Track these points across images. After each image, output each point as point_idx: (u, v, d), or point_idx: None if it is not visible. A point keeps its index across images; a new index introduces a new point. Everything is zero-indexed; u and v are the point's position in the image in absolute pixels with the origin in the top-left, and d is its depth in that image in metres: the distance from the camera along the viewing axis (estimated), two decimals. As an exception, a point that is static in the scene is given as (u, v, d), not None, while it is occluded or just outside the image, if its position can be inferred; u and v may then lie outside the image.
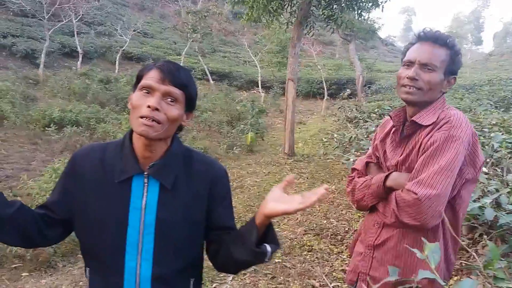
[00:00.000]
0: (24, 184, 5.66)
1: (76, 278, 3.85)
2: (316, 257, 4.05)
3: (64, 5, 20.32)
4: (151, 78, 1.16)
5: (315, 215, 5.31)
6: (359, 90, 19.97)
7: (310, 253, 4.16)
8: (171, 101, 1.17)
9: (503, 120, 5.42)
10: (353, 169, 1.85)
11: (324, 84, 21.83)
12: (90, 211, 1.22)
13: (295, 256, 4.09)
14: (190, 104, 1.25)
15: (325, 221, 5.08)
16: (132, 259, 1.20)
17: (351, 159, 5.15)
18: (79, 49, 20.39)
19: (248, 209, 5.59)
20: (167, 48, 27.82)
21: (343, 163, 6.06)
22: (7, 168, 7.65)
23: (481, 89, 14.09)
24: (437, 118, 1.53)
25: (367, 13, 10.80)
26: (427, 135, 1.52)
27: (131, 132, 1.25)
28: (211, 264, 1.35)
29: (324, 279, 3.54)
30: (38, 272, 4.08)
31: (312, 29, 9.77)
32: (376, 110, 9.43)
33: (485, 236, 2.83)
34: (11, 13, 23.06)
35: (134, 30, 25.02)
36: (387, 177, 1.60)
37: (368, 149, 2.34)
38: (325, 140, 9.21)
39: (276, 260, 3.96)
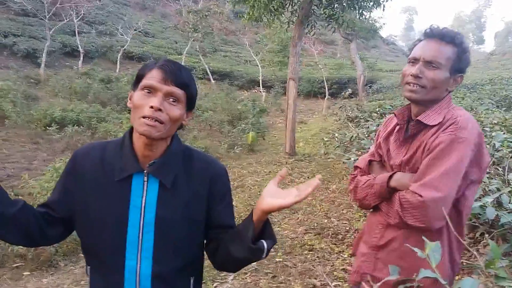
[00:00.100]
0: (26, 184, 5.67)
1: (78, 277, 3.85)
2: (317, 256, 4.05)
3: (65, 4, 20.33)
4: (153, 78, 1.16)
5: (316, 215, 5.31)
6: (360, 90, 19.95)
7: (311, 252, 4.16)
8: (173, 101, 1.18)
9: (504, 119, 5.41)
10: (355, 167, 1.82)
11: (325, 83, 21.81)
12: (90, 210, 1.22)
13: (296, 255, 4.09)
14: (190, 103, 1.25)
15: (326, 221, 5.07)
16: (132, 258, 1.20)
17: (352, 159, 5.15)
18: (80, 49, 20.43)
19: (249, 208, 5.59)
20: (168, 48, 27.85)
21: (344, 163, 6.05)
22: (9, 167, 7.67)
23: (482, 88, 14.06)
24: (443, 118, 1.50)
25: (368, 13, 10.80)
26: (432, 135, 1.49)
27: (131, 130, 1.25)
28: (211, 263, 1.35)
29: (325, 278, 3.54)
30: (40, 271, 4.09)
31: (313, 28, 9.77)
32: (377, 109, 9.42)
33: (486, 235, 2.83)
34: (13, 13, 23.12)
35: (135, 30, 25.03)
36: (390, 177, 1.57)
37: (369, 148, 2.32)
38: (326, 139, 9.19)
39: (277, 260, 3.96)
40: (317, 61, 24.47)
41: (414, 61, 1.54)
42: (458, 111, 1.51)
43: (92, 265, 1.28)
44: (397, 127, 1.68)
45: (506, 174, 3.32)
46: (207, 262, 1.39)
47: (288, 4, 9.41)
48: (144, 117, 1.14)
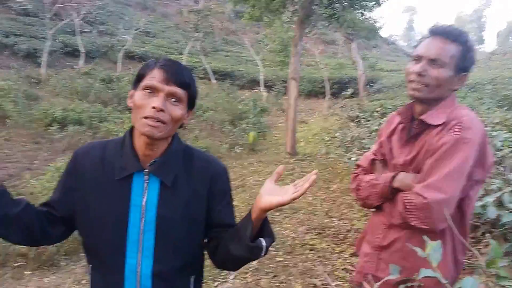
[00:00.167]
0: (27, 183, 5.68)
1: (79, 277, 3.85)
2: (318, 256, 4.05)
3: (66, 4, 20.34)
4: (155, 78, 1.16)
5: (317, 214, 5.31)
6: (361, 89, 19.92)
7: (312, 252, 4.16)
8: (174, 101, 1.18)
9: (505, 119, 5.41)
10: (358, 165, 1.80)
11: (326, 83, 21.79)
12: (91, 209, 1.22)
13: (297, 255, 4.09)
14: (191, 103, 1.26)
15: (327, 220, 5.07)
16: (132, 257, 1.20)
17: (353, 158, 5.16)
18: (81, 49, 20.42)
19: (250, 208, 5.59)
20: (169, 47, 27.83)
21: (345, 162, 6.06)
22: (10, 167, 7.67)
23: (483, 88, 14.06)
24: (447, 118, 1.48)
25: (369, 12, 10.79)
26: (436, 135, 1.47)
27: (131, 129, 1.25)
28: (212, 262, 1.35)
29: (326, 278, 3.54)
30: (41, 271, 4.09)
31: (314, 28, 9.77)
32: (378, 109, 9.43)
33: (487, 235, 2.83)
34: (14, 12, 23.13)
35: (136, 29, 25.04)
36: (393, 177, 1.56)
37: (370, 148, 2.31)
38: (327, 139, 9.20)
39: (278, 259, 3.96)
40: (318, 61, 24.46)
41: (418, 58, 1.52)
42: (463, 111, 1.49)
43: (93, 264, 1.28)
44: (400, 126, 1.66)
45: (507, 174, 3.32)
46: (208, 262, 1.39)
47: (288, 4, 9.41)
48: (146, 118, 1.14)
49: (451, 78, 1.50)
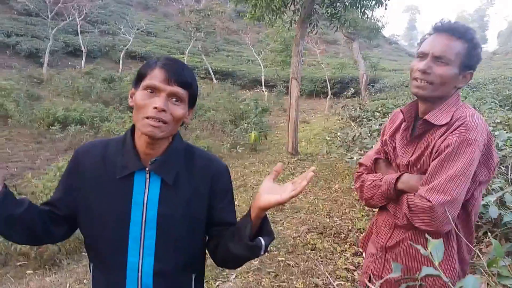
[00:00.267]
0: (28, 183, 5.69)
1: (80, 276, 3.86)
2: (320, 256, 4.05)
3: (67, 3, 20.36)
4: (156, 78, 1.15)
5: (318, 214, 5.31)
6: (363, 89, 19.92)
7: (313, 251, 4.16)
8: (176, 101, 1.18)
9: (507, 118, 5.40)
10: (361, 164, 1.78)
11: (328, 83, 21.80)
12: (93, 207, 1.22)
13: (298, 254, 4.09)
14: (192, 101, 1.25)
15: (328, 220, 5.07)
16: (134, 255, 1.20)
17: (355, 158, 5.15)
18: (82, 48, 20.47)
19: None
20: (171, 47, 27.88)
21: (346, 162, 6.05)
22: (12, 166, 7.70)
23: (485, 87, 14.04)
24: (451, 118, 1.45)
25: (371, 12, 10.77)
26: (440, 136, 1.45)
27: (132, 128, 1.26)
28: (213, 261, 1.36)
29: (328, 277, 3.53)
30: (43, 270, 4.10)
31: (315, 27, 9.75)
32: (379, 108, 9.42)
33: (489, 234, 2.82)
34: (15, 12, 23.20)
35: (137, 29, 25.08)
36: (398, 179, 1.54)
37: (371, 147, 2.30)
38: (328, 139, 9.18)
39: (280, 259, 3.96)
40: (319, 61, 24.47)
41: (423, 55, 1.49)
42: (467, 110, 1.47)
43: (94, 263, 1.28)
44: (404, 125, 1.63)
45: (509, 173, 3.31)
46: (209, 261, 1.39)
47: (290, 3, 9.39)
48: (148, 118, 1.14)
49: (456, 76, 1.47)
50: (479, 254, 0.97)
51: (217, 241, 1.28)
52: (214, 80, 23.11)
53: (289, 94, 9.59)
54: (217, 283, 3.52)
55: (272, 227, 1.23)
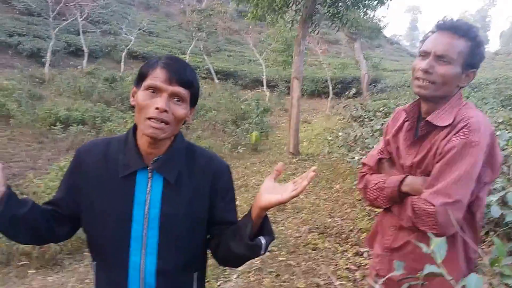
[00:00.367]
0: (30, 183, 5.70)
1: (82, 276, 3.86)
2: (321, 256, 4.05)
3: (69, 3, 20.38)
4: (157, 78, 1.15)
5: (319, 214, 5.31)
6: (365, 89, 19.89)
7: (314, 251, 4.16)
8: (177, 100, 1.18)
9: (509, 118, 5.39)
10: (364, 164, 1.76)
11: (329, 83, 21.76)
12: (95, 206, 1.22)
13: (299, 254, 4.09)
14: (194, 101, 1.25)
15: (329, 220, 5.07)
16: (136, 254, 1.21)
17: (356, 158, 5.15)
18: (84, 48, 20.46)
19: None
20: (172, 47, 27.86)
21: (348, 162, 6.05)
22: (14, 166, 7.71)
23: (487, 87, 14.02)
24: (454, 119, 1.43)
25: (372, 11, 10.77)
26: (443, 138, 1.43)
27: (134, 127, 1.25)
28: (215, 261, 1.36)
29: (330, 277, 3.53)
30: (45, 270, 4.11)
31: (317, 27, 9.75)
32: (381, 108, 9.40)
33: (491, 233, 2.82)
34: (17, 12, 23.21)
35: (139, 29, 25.07)
36: (402, 181, 1.52)
37: (373, 147, 2.29)
38: (330, 139, 9.18)
39: (281, 259, 3.96)
40: (321, 61, 24.42)
41: (425, 54, 1.47)
42: (470, 111, 1.45)
43: (97, 262, 1.28)
44: (407, 124, 1.62)
45: (511, 173, 3.31)
46: (210, 261, 1.39)
47: (291, 3, 9.39)
48: (150, 119, 1.14)
49: (458, 75, 1.45)
50: (481, 254, 0.96)
51: (218, 240, 1.28)
52: (216, 80, 23.09)
53: (291, 94, 9.59)
54: (218, 283, 3.52)
55: (273, 227, 1.23)
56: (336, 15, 9.29)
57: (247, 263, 1.34)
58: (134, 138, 1.24)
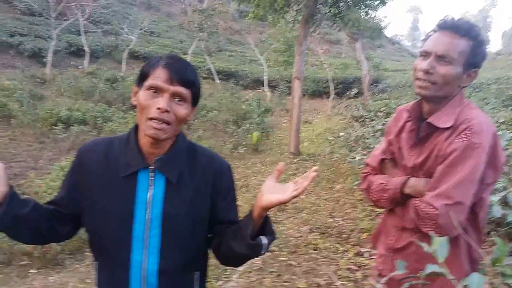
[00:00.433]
0: (32, 182, 5.71)
1: (83, 276, 3.87)
2: (322, 256, 4.04)
3: (71, 3, 20.40)
4: (159, 78, 1.15)
5: (320, 214, 5.30)
6: (366, 89, 19.88)
7: (315, 251, 4.16)
8: (179, 100, 1.17)
9: (510, 118, 5.39)
10: (367, 164, 1.75)
11: (331, 83, 21.76)
12: (97, 205, 1.22)
13: (300, 254, 4.08)
14: (195, 101, 1.25)
15: (330, 220, 5.06)
16: (138, 253, 1.21)
17: (357, 158, 5.15)
18: (86, 48, 20.49)
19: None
20: (174, 47, 27.86)
21: (349, 162, 6.05)
22: (15, 166, 7.72)
23: (488, 87, 14.01)
24: (456, 121, 1.42)
25: (374, 11, 10.76)
26: (445, 140, 1.42)
27: (136, 127, 1.25)
28: (216, 261, 1.36)
29: (331, 277, 3.53)
30: (46, 269, 4.11)
31: (318, 27, 9.75)
32: (382, 108, 9.40)
33: (492, 233, 2.82)
34: (19, 12, 23.24)
35: (140, 29, 25.10)
36: (404, 183, 1.52)
37: (374, 147, 2.29)
38: (331, 139, 9.19)
39: (282, 259, 3.95)
40: (322, 61, 24.43)
41: (426, 54, 1.46)
42: (471, 111, 1.44)
43: (99, 261, 1.28)
44: (409, 125, 1.60)
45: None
46: (212, 261, 1.39)
47: (293, 3, 9.39)
48: (151, 119, 1.13)
49: (459, 75, 1.43)
50: (482, 254, 0.96)
51: (219, 239, 1.28)
52: (217, 80, 23.11)
53: (292, 94, 9.59)
54: (219, 283, 3.52)
55: (274, 227, 1.23)
56: (338, 15, 9.29)
57: (248, 263, 1.34)
58: (136, 137, 1.24)
